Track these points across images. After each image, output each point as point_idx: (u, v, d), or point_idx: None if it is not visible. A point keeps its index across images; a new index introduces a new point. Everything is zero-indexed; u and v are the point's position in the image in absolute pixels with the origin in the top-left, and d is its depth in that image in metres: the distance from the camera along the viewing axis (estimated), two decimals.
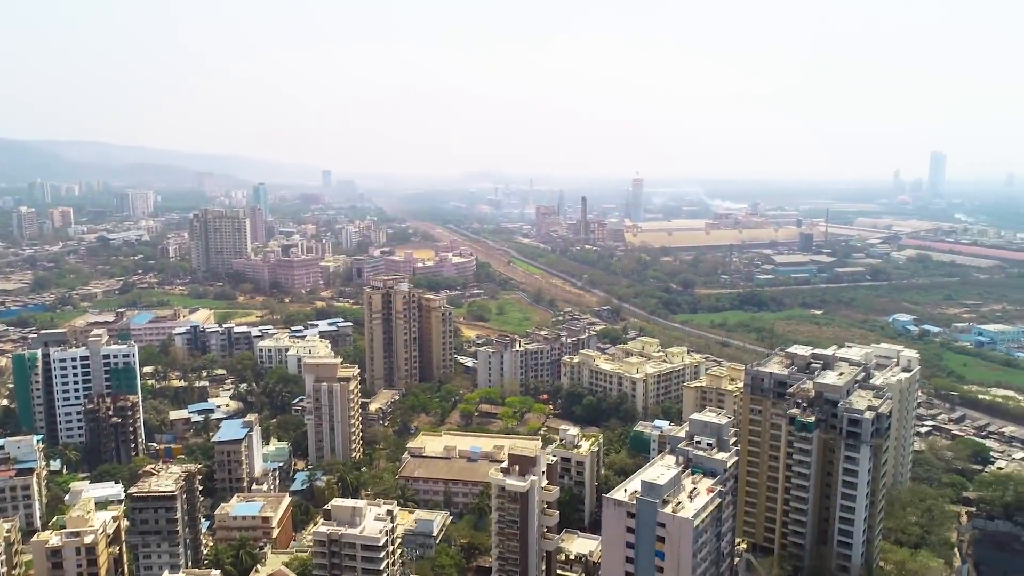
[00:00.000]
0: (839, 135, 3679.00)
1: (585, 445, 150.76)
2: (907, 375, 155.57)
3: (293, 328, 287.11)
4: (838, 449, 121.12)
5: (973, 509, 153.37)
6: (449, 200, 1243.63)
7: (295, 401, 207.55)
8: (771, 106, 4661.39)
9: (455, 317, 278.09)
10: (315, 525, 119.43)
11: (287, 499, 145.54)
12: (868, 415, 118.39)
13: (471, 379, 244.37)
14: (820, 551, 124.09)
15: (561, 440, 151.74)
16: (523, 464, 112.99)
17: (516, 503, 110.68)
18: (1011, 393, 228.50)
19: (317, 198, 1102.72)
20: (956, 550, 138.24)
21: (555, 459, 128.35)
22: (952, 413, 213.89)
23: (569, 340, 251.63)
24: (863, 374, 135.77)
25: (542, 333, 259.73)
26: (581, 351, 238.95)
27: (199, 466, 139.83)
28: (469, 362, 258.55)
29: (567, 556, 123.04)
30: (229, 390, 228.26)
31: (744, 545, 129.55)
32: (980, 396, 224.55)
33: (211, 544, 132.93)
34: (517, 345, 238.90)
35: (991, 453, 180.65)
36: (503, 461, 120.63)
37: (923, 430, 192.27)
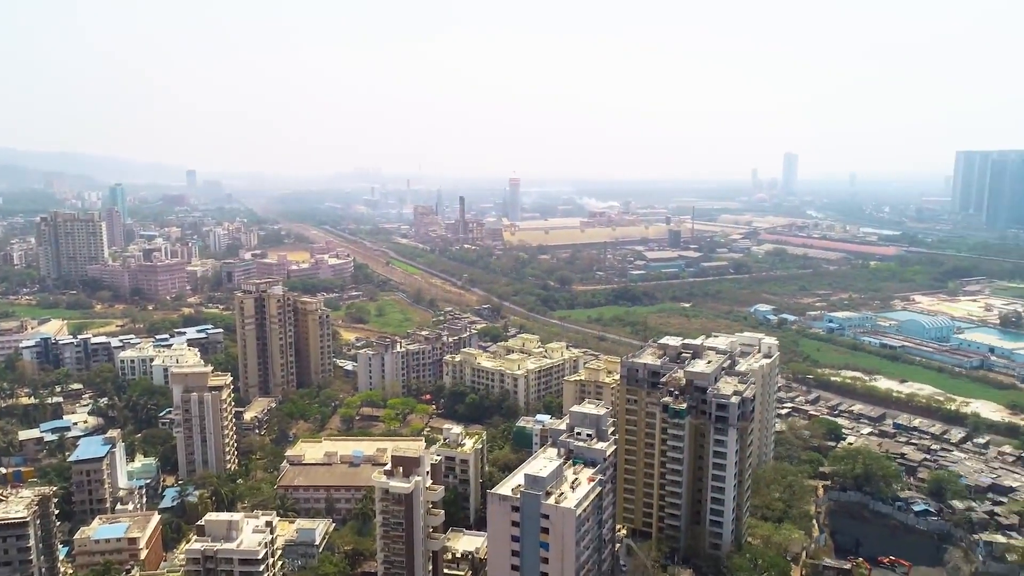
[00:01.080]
0: (700, 138, 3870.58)
1: (469, 443, 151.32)
2: (768, 361, 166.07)
3: (158, 337, 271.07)
4: (708, 433, 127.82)
5: (828, 482, 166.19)
6: (324, 200, 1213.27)
7: (162, 414, 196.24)
8: (636, 111, 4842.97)
9: (333, 320, 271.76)
10: (188, 543, 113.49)
11: (156, 518, 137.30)
12: (734, 400, 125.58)
13: (351, 383, 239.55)
14: (694, 531, 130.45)
15: (445, 439, 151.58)
16: (407, 465, 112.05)
17: (401, 505, 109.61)
18: (858, 374, 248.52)
19: (181, 199, 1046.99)
20: (815, 521, 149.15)
21: (439, 458, 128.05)
22: (808, 395, 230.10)
23: (450, 339, 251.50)
24: (729, 361, 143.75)
25: (423, 333, 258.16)
26: (463, 350, 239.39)
27: (55, 489, 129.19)
28: (349, 365, 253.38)
29: (453, 555, 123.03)
30: (87, 406, 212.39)
31: (624, 531, 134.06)
32: (832, 378, 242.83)
33: (71, 572, 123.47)
34: (398, 346, 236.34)
35: (843, 430, 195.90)
36: (386, 464, 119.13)
37: (783, 412, 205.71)
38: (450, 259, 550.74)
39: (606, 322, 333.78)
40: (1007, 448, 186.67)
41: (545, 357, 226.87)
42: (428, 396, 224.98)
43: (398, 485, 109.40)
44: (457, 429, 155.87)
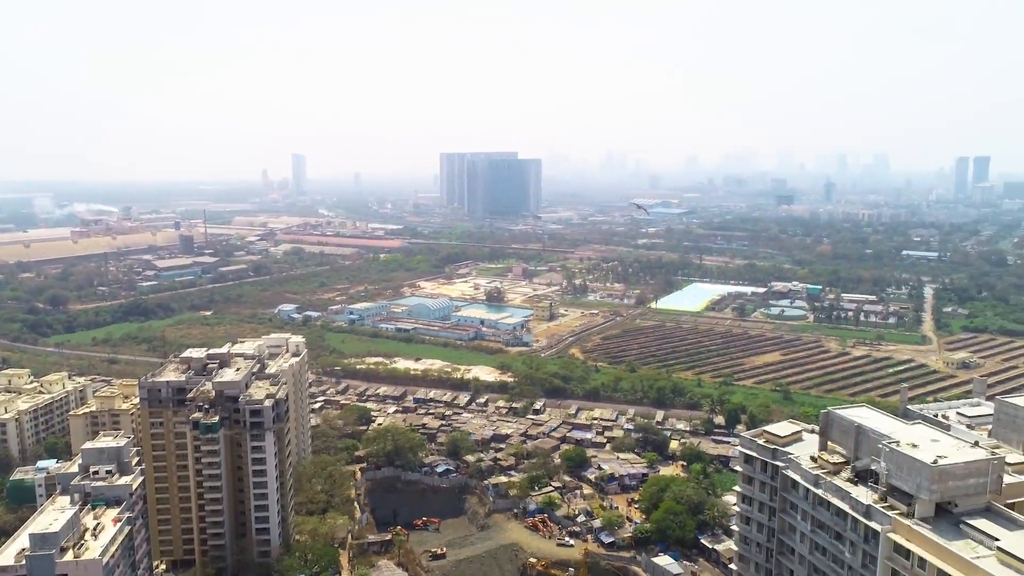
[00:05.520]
0: (201, 138, 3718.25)
1: None
2: (297, 359, 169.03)
3: None
4: (244, 442, 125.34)
5: (364, 464, 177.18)
6: None
7: None
8: (121, 106, 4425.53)
9: None
10: None
11: None
12: (267, 403, 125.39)
13: None
14: (241, 544, 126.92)
15: None
16: None
17: None
18: (380, 359, 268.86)
19: None
20: (356, 503, 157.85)
21: None
22: (338, 386, 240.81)
23: None
24: (258, 366, 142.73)
25: None
26: None
27: None
28: None
29: None
30: None
31: (164, 566, 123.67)
32: (358, 366, 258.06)
33: None
34: None
35: (372, 413, 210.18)
36: None
37: (317, 406, 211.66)
38: None
39: (116, 342, 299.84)
40: (501, 403, 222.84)
41: (42, 392, 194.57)
42: None
43: None
44: None
